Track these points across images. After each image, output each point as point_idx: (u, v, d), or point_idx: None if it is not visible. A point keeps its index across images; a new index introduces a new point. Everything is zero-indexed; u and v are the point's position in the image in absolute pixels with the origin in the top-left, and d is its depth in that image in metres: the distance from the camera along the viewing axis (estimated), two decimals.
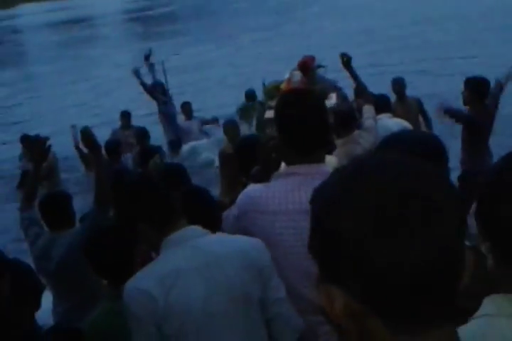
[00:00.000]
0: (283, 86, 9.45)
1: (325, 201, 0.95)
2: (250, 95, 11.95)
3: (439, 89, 13.20)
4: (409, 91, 9.21)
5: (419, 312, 0.91)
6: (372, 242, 0.89)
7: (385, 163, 0.97)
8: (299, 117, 2.52)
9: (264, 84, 10.63)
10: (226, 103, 14.31)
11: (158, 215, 2.39)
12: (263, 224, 2.55)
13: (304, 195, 2.45)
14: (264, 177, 3.03)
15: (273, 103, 9.75)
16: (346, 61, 6.25)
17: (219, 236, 2.54)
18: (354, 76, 6.35)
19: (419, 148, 1.85)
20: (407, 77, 9.43)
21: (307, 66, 9.43)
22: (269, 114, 9.54)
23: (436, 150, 1.96)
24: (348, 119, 5.89)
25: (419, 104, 8.86)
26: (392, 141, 2.01)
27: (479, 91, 6.47)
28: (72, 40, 37.39)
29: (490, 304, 1.40)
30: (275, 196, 2.52)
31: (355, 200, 0.92)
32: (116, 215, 2.79)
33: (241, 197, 2.70)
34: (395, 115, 7.38)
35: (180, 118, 12.38)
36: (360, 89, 6.35)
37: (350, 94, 8.60)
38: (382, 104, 6.80)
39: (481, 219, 1.43)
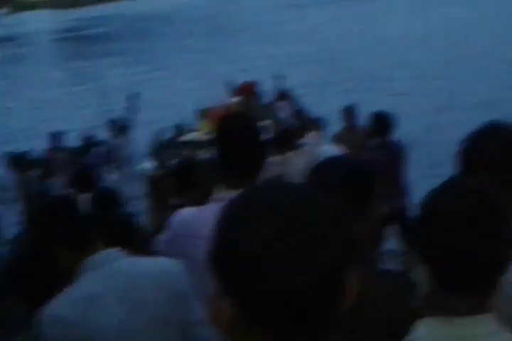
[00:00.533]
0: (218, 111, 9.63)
1: (219, 225, 1.03)
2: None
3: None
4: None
5: (295, 331, 1.00)
6: (250, 266, 0.96)
7: (277, 193, 1.03)
8: (234, 141, 2.56)
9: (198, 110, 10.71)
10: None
11: (74, 238, 2.37)
12: (194, 249, 2.47)
13: None
14: (201, 200, 3.06)
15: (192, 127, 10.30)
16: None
17: (137, 258, 2.48)
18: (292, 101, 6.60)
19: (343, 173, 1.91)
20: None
21: (247, 91, 9.69)
22: (190, 136, 10.25)
23: (359, 175, 1.96)
24: (281, 140, 5.84)
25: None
26: (321, 166, 2.03)
27: (380, 125, 6.49)
28: (1, 58, 36.69)
29: (422, 326, 1.47)
30: (208, 220, 2.33)
31: (240, 227, 0.99)
32: (33, 238, 2.68)
33: (173, 220, 2.66)
34: (344, 142, 7.27)
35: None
36: (298, 112, 6.47)
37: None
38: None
39: (419, 246, 1.51)
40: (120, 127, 11.42)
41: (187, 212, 2.65)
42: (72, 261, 2.36)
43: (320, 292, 0.98)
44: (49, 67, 31.64)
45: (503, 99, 12.87)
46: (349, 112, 8.54)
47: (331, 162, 2.04)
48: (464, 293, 1.47)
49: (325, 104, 9.79)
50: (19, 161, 9.55)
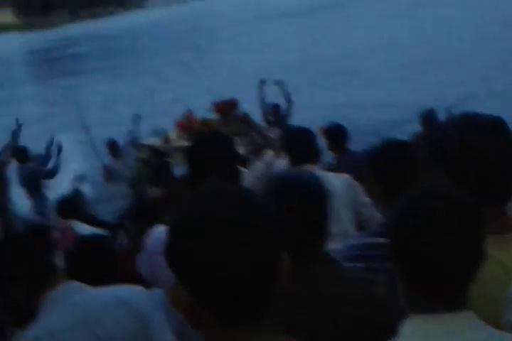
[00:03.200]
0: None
1: (171, 230, 1.26)
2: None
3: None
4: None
5: (238, 311, 1.18)
6: (194, 258, 1.16)
7: (222, 193, 1.22)
8: (210, 158, 2.60)
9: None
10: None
11: (30, 276, 2.33)
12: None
13: None
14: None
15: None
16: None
17: (98, 289, 2.45)
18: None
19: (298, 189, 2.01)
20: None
21: (222, 109, 9.79)
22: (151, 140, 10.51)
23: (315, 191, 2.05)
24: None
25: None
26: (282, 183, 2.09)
27: (337, 138, 6.33)
28: None
29: (408, 324, 1.56)
30: None
31: (186, 224, 1.19)
32: None
33: (148, 239, 2.77)
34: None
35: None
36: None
37: None
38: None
39: (394, 251, 1.60)
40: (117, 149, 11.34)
41: (159, 230, 2.71)
42: (32, 298, 2.31)
43: (259, 273, 1.16)
44: (27, 85, 31.46)
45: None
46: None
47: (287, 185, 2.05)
48: (441, 299, 1.54)
49: None
50: None
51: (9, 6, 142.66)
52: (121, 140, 11.45)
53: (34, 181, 9.61)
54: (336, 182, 3.75)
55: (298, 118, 9.29)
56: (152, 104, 19.56)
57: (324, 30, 32.77)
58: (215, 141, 2.69)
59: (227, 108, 9.90)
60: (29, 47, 63.00)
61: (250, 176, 5.16)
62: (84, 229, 5.61)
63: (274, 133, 8.63)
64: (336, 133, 6.34)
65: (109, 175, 11.13)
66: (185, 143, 9.31)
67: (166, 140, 10.15)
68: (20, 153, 9.51)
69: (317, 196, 2.03)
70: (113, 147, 11.44)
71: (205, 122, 9.93)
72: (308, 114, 12.31)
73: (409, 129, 7.55)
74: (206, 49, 35.10)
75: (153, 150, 10.37)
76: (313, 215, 2.00)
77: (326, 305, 1.93)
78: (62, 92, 25.94)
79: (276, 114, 9.96)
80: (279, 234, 1.21)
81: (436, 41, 22.28)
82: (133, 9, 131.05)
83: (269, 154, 6.73)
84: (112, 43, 50.06)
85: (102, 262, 3.20)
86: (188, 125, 9.98)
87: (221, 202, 1.18)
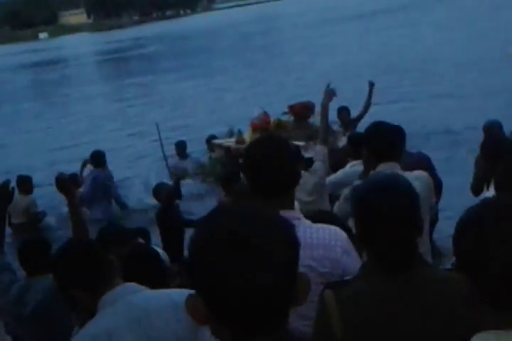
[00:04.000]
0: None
1: (191, 246, 1.27)
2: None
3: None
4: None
5: (251, 326, 1.23)
6: (208, 272, 1.20)
7: (235, 213, 1.28)
8: (259, 164, 2.57)
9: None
10: None
11: (88, 278, 2.47)
12: None
13: None
14: None
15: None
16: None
17: (155, 291, 2.52)
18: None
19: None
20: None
21: (298, 113, 9.63)
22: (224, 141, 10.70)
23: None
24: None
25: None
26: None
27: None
28: (48, 80, 37.33)
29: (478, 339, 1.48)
30: None
31: (202, 240, 1.24)
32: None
33: None
34: None
35: (175, 158, 12.01)
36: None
37: None
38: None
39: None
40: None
41: None
42: (90, 300, 2.44)
43: (278, 291, 1.21)
44: (101, 84, 32.15)
45: None
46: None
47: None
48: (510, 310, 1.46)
49: None
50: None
51: (82, 8, 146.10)
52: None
53: (107, 188, 9.76)
54: (416, 183, 3.51)
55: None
56: (223, 104, 19.73)
57: (390, 32, 32.49)
58: (268, 151, 2.59)
59: (302, 111, 9.71)
60: (101, 47, 64.34)
61: (312, 178, 5.11)
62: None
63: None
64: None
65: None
66: None
67: (240, 141, 9.98)
68: (97, 158, 9.72)
69: (415, 200, 2.11)
70: (181, 148, 11.79)
71: (279, 124, 9.84)
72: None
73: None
74: (275, 50, 35.24)
75: (227, 150, 10.40)
76: (412, 219, 2.07)
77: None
78: (136, 90, 26.50)
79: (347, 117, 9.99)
80: (294, 258, 1.27)
81: None
82: (201, 11, 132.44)
83: (321, 150, 6.41)
84: (181, 44, 50.68)
85: (152, 271, 3.31)
86: (263, 126, 9.80)
87: (245, 222, 1.23)
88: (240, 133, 10.43)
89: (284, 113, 9.89)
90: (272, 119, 10.00)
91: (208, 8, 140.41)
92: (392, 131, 4.09)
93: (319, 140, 5.33)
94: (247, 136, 9.95)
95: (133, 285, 2.49)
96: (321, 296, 2.13)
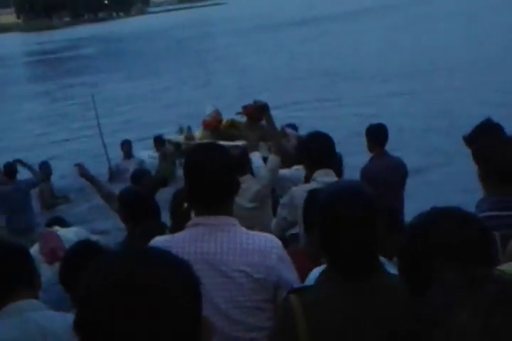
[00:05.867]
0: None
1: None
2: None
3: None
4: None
5: None
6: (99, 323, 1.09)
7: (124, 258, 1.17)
8: (201, 171, 2.57)
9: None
10: None
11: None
12: None
13: (205, 246, 2.53)
14: (177, 227, 3.31)
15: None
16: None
17: (58, 313, 2.53)
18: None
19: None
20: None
21: (250, 113, 9.09)
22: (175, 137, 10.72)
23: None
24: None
25: None
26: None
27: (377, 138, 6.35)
28: None
29: None
30: (178, 246, 2.52)
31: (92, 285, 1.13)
32: None
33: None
34: None
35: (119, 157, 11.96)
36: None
37: None
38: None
39: None
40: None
41: (160, 239, 2.67)
42: None
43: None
44: (31, 85, 31.78)
45: None
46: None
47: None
48: None
49: None
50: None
51: (12, 7, 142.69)
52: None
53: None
54: None
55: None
56: (167, 104, 19.97)
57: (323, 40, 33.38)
58: (208, 156, 2.60)
59: (255, 112, 9.68)
60: (32, 47, 63.24)
61: (256, 185, 5.08)
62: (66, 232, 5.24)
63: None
64: (377, 133, 6.35)
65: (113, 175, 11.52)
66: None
67: (189, 137, 10.13)
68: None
69: (377, 208, 2.12)
70: (126, 147, 11.82)
71: (232, 124, 9.78)
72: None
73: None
74: (212, 54, 35.67)
75: (177, 146, 10.54)
76: (374, 227, 2.10)
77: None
78: (73, 90, 26.38)
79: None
80: (197, 302, 1.15)
81: None
82: (135, 15, 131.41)
83: (273, 159, 6.08)
84: (117, 46, 50.46)
85: None
86: (213, 124, 9.85)
87: (138, 268, 1.12)
88: (189, 129, 10.55)
89: (238, 113, 9.67)
90: (225, 119, 9.93)
91: (141, 12, 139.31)
92: (326, 140, 4.41)
93: (272, 150, 5.43)
94: (199, 133, 10.02)
95: (35, 302, 2.46)
96: (285, 301, 2.13)
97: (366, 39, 30.38)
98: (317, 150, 4.31)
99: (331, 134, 4.49)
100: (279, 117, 9.08)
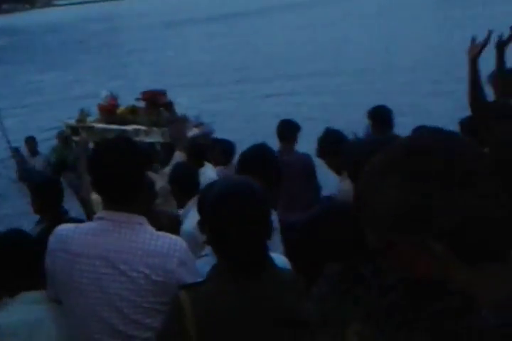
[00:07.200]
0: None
1: None
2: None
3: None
4: None
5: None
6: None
7: None
8: (102, 170, 2.51)
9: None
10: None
11: None
12: (65, 264, 2.50)
13: (101, 241, 2.46)
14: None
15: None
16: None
17: (13, 308, 2.60)
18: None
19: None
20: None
21: (148, 98, 10.01)
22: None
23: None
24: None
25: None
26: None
27: (382, 120, 6.05)
28: None
29: None
30: (80, 237, 2.50)
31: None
32: None
33: (51, 235, 2.60)
34: None
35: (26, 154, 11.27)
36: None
37: None
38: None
39: None
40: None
41: (64, 228, 2.59)
42: None
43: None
44: None
45: None
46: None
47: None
48: None
49: None
50: None
51: None
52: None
53: None
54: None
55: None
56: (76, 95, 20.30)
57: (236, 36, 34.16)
58: (114, 148, 2.53)
59: (153, 97, 10.02)
60: None
61: (160, 182, 5.24)
62: None
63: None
64: (383, 115, 6.09)
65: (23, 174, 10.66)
66: (99, 125, 9.96)
67: (81, 120, 10.36)
68: None
69: (265, 203, 2.16)
70: (31, 144, 11.35)
71: (133, 110, 10.17)
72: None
73: None
74: (121, 47, 35.91)
75: (72, 129, 10.56)
76: (263, 222, 2.15)
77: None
78: None
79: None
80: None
81: None
82: (41, 7, 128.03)
83: (176, 156, 6.61)
84: (24, 39, 49.60)
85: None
86: (109, 108, 10.17)
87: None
88: (82, 112, 10.60)
89: (137, 99, 10.25)
90: (121, 105, 10.35)
91: (47, 4, 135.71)
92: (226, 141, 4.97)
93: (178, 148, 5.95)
94: (95, 117, 10.40)
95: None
96: (175, 297, 2.12)
97: (269, 37, 31.19)
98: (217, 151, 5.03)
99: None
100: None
